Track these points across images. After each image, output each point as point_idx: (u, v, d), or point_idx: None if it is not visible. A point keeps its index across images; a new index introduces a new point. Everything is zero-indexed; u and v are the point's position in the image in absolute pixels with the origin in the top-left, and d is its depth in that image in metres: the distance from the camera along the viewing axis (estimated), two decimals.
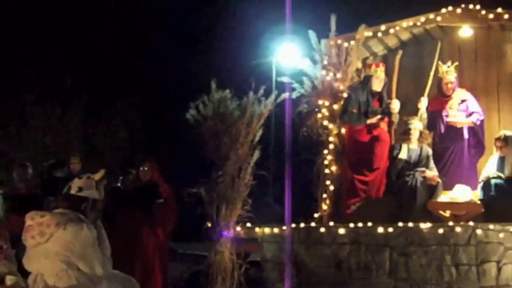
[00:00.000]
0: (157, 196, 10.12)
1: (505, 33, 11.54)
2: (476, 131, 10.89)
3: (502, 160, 10.35)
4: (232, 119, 10.18)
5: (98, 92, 19.17)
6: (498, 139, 10.46)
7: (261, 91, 10.31)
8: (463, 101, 11.01)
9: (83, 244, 5.56)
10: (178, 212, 10.32)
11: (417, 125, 10.63)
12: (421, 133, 10.61)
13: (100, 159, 18.33)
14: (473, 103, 11.00)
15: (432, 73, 11.10)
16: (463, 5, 10.92)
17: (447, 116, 10.91)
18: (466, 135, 10.85)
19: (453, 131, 10.87)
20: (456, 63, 11.09)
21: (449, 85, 10.95)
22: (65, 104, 19.17)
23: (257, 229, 9.94)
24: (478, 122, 10.88)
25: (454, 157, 10.77)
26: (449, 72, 10.98)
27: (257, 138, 10.28)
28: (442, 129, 10.91)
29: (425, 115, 10.90)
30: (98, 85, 19.06)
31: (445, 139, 10.88)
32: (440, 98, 11.07)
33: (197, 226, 10.20)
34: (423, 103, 10.93)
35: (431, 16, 11.02)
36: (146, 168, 10.28)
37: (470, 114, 10.90)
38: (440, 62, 11.10)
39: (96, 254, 5.62)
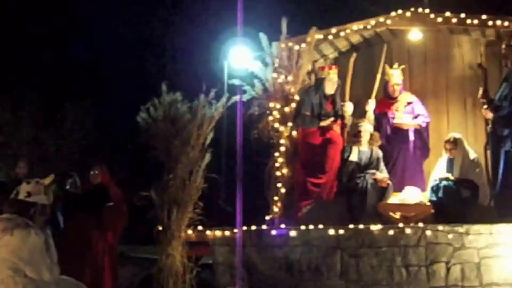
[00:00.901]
0: (107, 199, 10.05)
1: (453, 36, 11.68)
2: (422, 134, 11.02)
3: (451, 162, 10.46)
4: (183, 122, 10.16)
5: (49, 95, 18.99)
6: (447, 141, 10.55)
7: (212, 93, 10.30)
8: (409, 103, 11.16)
9: (31, 249, 5.48)
10: (128, 215, 10.25)
11: (367, 127, 10.69)
12: (371, 135, 10.67)
13: (51, 163, 18.15)
14: (419, 106, 11.14)
15: (379, 76, 11.23)
16: (412, 9, 11.04)
17: (393, 118, 11.03)
18: (412, 137, 11.01)
19: (399, 133, 11.01)
20: (403, 66, 11.22)
21: (395, 87, 11.08)
22: (15, 106, 18.94)
23: (208, 232, 9.91)
24: (424, 125, 11.03)
25: (400, 159, 10.89)
26: (395, 74, 11.10)
27: (208, 141, 10.27)
28: (389, 131, 11.04)
29: (372, 117, 11.00)
30: (49, 88, 18.87)
31: (391, 141, 10.99)
32: (387, 100, 11.20)
33: (149, 230, 10.14)
34: (371, 105, 11.04)
35: (381, 19, 11.11)
36: (96, 172, 10.23)
37: (416, 117, 11.05)
38: (386, 65, 11.20)
39: (44, 260, 5.54)
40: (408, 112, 11.09)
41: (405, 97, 11.23)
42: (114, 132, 18.64)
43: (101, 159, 10.91)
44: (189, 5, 18.99)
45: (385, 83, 11.20)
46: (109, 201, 10.08)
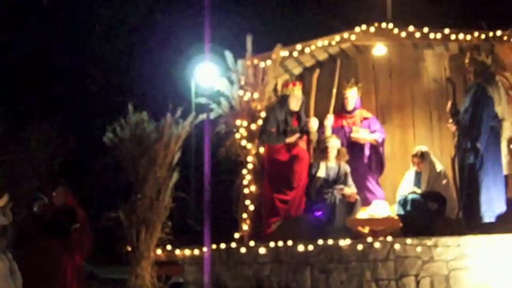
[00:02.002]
0: (73, 220, 9.96)
1: (418, 50, 11.77)
2: (378, 149, 11.09)
3: (418, 175, 10.53)
4: (150, 141, 10.14)
5: (15, 114, 18.80)
6: (415, 155, 10.63)
7: (179, 112, 10.29)
8: (365, 119, 11.23)
9: None
10: (96, 236, 10.18)
11: (334, 143, 10.72)
12: (338, 150, 10.70)
13: (17, 184, 17.94)
14: (374, 122, 11.26)
15: (334, 91, 11.29)
16: (376, 24, 11.09)
17: (350, 132, 11.09)
18: (367, 152, 11.08)
19: (356, 147, 11.06)
20: (360, 84, 11.32)
21: (349, 99, 11.14)
22: None
23: (177, 252, 9.87)
24: (380, 140, 11.10)
25: (357, 174, 10.91)
26: (348, 87, 11.20)
27: (175, 160, 10.24)
28: (345, 145, 11.05)
29: (330, 132, 11.03)
30: (15, 107, 18.70)
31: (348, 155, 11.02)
32: (343, 114, 11.27)
33: (117, 250, 10.07)
34: (329, 120, 11.09)
35: (346, 35, 11.15)
36: (59, 193, 10.14)
37: (372, 132, 11.11)
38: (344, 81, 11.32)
39: (8, 285, 5.49)
40: (364, 127, 11.17)
41: (361, 113, 11.32)
42: (81, 153, 18.51)
43: (64, 180, 10.81)
44: (155, 23, 18.96)
45: (342, 98, 11.28)
46: (75, 222, 9.99)
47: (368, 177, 11.06)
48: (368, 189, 10.94)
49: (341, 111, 11.32)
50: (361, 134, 11.09)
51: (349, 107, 11.23)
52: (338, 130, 11.16)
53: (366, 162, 11.11)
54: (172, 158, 10.24)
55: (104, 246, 10.56)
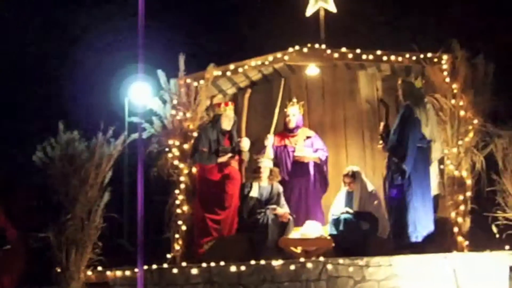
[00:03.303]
0: (4, 242, 9.76)
1: (350, 71, 11.90)
2: (321, 168, 11.14)
3: (350, 195, 10.60)
4: (81, 161, 10.00)
5: None
6: (346, 175, 10.69)
7: (110, 131, 10.18)
8: (308, 137, 11.28)
9: None
10: (26, 257, 9.99)
11: (267, 163, 10.75)
12: (271, 171, 10.72)
13: None
14: (317, 141, 11.30)
15: (277, 110, 11.33)
16: (309, 44, 11.17)
17: (293, 151, 11.13)
18: (311, 170, 11.11)
19: (299, 166, 11.10)
20: (302, 102, 11.36)
21: (291, 117, 11.19)
22: None
23: (108, 273, 9.72)
24: (324, 158, 11.16)
25: (301, 193, 10.96)
26: (291, 106, 11.25)
27: (107, 180, 10.12)
28: (289, 165, 11.10)
29: (271, 152, 11.07)
30: None
31: (291, 174, 11.07)
32: (286, 134, 11.31)
33: (47, 272, 9.88)
34: (270, 140, 11.12)
35: (279, 55, 11.22)
36: None
37: (315, 151, 11.16)
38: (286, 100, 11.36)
39: None
40: (308, 146, 11.21)
41: (304, 132, 11.37)
42: (10, 172, 18.15)
43: None
44: (88, 41, 18.78)
45: (284, 117, 11.30)
46: (6, 243, 9.79)
47: (312, 196, 11.08)
48: (310, 209, 10.96)
49: (284, 130, 11.35)
50: (304, 153, 11.12)
51: (291, 125, 11.27)
52: (281, 149, 11.21)
53: (311, 181, 11.13)
54: (104, 177, 10.12)
55: (33, 268, 10.32)
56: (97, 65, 17.97)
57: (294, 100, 11.39)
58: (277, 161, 11.12)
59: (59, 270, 9.71)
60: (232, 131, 10.91)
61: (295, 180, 11.04)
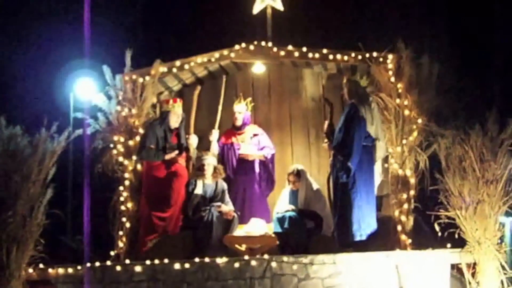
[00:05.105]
0: None
1: (297, 69, 11.94)
2: (267, 166, 11.16)
3: (294, 193, 10.64)
4: (23, 156, 9.82)
5: None
6: (291, 173, 10.72)
7: (54, 127, 10.05)
8: (255, 135, 11.29)
9: None
10: None
11: (211, 160, 10.71)
12: (215, 168, 10.69)
13: None
14: (264, 138, 11.30)
15: (220, 107, 11.33)
16: (255, 42, 11.18)
17: (239, 149, 11.13)
18: (257, 168, 11.12)
19: (245, 164, 11.11)
20: (249, 99, 11.38)
21: (238, 115, 11.22)
22: None
23: (50, 270, 9.59)
24: (269, 156, 11.19)
25: (246, 191, 10.97)
26: (237, 104, 11.28)
27: (50, 176, 9.98)
28: (234, 162, 11.11)
29: (216, 148, 11.07)
30: None
31: (237, 172, 11.07)
32: (232, 131, 11.31)
33: None
34: (214, 135, 11.11)
35: (225, 52, 11.19)
36: None
37: (261, 149, 11.18)
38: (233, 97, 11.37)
39: None
40: (254, 144, 11.23)
41: (251, 129, 11.37)
42: None
43: None
44: (32, 35, 18.52)
45: (231, 115, 11.30)
46: None
47: (257, 194, 11.10)
48: (255, 207, 10.96)
49: (231, 127, 11.34)
50: (249, 150, 11.11)
51: (238, 122, 11.28)
52: (227, 147, 11.19)
53: (257, 179, 11.14)
54: (47, 174, 9.96)
55: None
56: (41, 58, 17.73)
57: (241, 97, 11.38)
58: (223, 159, 11.11)
59: None
60: (180, 128, 10.84)
61: (240, 178, 11.04)
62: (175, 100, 10.93)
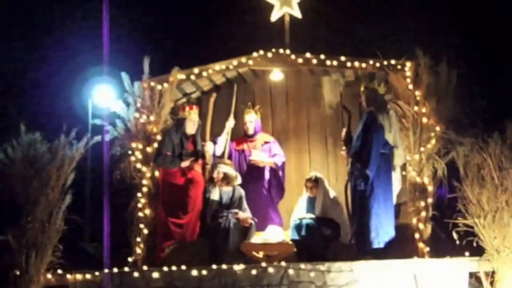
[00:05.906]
0: None
1: (314, 77, 11.94)
2: (277, 173, 11.15)
3: (312, 200, 10.63)
4: (42, 162, 9.90)
5: None
6: (309, 180, 10.72)
7: (73, 133, 10.12)
8: (266, 143, 11.31)
9: None
10: None
11: (222, 168, 10.70)
12: (226, 175, 10.67)
13: None
14: (275, 146, 11.34)
15: (232, 115, 11.33)
16: (273, 50, 11.20)
17: (250, 155, 11.13)
18: (267, 175, 11.14)
19: (255, 171, 11.13)
20: (257, 107, 11.45)
21: (249, 124, 11.25)
22: None
23: (68, 276, 9.64)
24: (280, 163, 11.17)
25: (254, 197, 10.95)
26: (247, 114, 11.29)
27: (69, 182, 10.04)
28: (245, 169, 11.11)
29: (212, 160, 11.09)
30: None
31: (247, 178, 11.06)
32: (244, 138, 11.35)
33: (5, 275, 9.77)
34: (209, 147, 11.14)
35: (243, 59, 11.21)
36: None
37: (273, 156, 11.19)
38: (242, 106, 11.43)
39: None
40: (265, 151, 11.24)
41: (262, 137, 11.41)
42: None
43: None
44: (51, 42, 18.63)
45: (242, 124, 11.38)
46: None
47: (267, 201, 11.10)
48: (266, 214, 10.96)
49: (243, 135, 11.38)
50: (260, 157, 11.13)
51: (250, 131, 11.32)
52: (239, 153, 11.22)
53: (266, 186, 11.15)
54: (65, 180, 10.03)
55: None
56: (61, 66, 17.84)
57: (249, 105, 11.42)
58: (235, 166, 11.12)
59: (18, 273, 9.61)
60: (196, 135, 10.86)
61: (250, 185, 11.02)
62: (191, 107, 10.95)
